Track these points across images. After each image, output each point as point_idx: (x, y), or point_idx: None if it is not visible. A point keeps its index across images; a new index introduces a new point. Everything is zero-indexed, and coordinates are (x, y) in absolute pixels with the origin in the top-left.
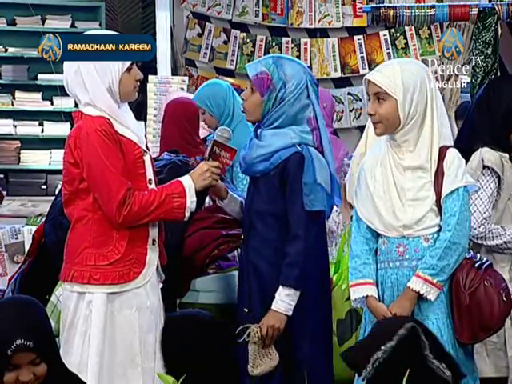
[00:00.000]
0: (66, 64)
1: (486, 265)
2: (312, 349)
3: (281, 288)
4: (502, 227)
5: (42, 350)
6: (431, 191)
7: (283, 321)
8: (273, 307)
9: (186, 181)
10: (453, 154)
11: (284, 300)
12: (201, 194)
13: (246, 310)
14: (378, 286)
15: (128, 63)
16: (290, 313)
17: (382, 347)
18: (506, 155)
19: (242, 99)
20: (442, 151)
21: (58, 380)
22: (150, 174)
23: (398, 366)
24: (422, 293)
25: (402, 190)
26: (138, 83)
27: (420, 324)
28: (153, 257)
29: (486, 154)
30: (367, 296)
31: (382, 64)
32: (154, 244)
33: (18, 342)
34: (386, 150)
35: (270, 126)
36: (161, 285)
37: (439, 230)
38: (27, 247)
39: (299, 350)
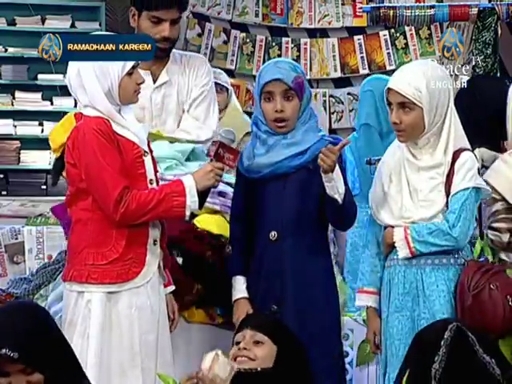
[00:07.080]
0: (69, 65)
1: (494, 270)
2: None
3: None
4: None
5: (32, 361)
6: (443, 192)
7: None
8: None
9: (187, 180)
10: (465, 157)
11: None
12: (202, 195)
13: (275, 307)
14: (385, 284)
15: (128, 67)
16: None
17: (436, 358)
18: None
19: (276, 111)
20: (457, 153)
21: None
22: (150, 175)
23: (457, 370)
24: (396, 244)
25: (414, 191)
26: (140, 87)
27: (461, 321)
28: (153, 257)
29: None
30: (369, 306)
31: (401, 70)
32: (154, 244)
33: (3, 351)
34: (401, 151)
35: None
36: (169, 289)
37: None
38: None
39: None
